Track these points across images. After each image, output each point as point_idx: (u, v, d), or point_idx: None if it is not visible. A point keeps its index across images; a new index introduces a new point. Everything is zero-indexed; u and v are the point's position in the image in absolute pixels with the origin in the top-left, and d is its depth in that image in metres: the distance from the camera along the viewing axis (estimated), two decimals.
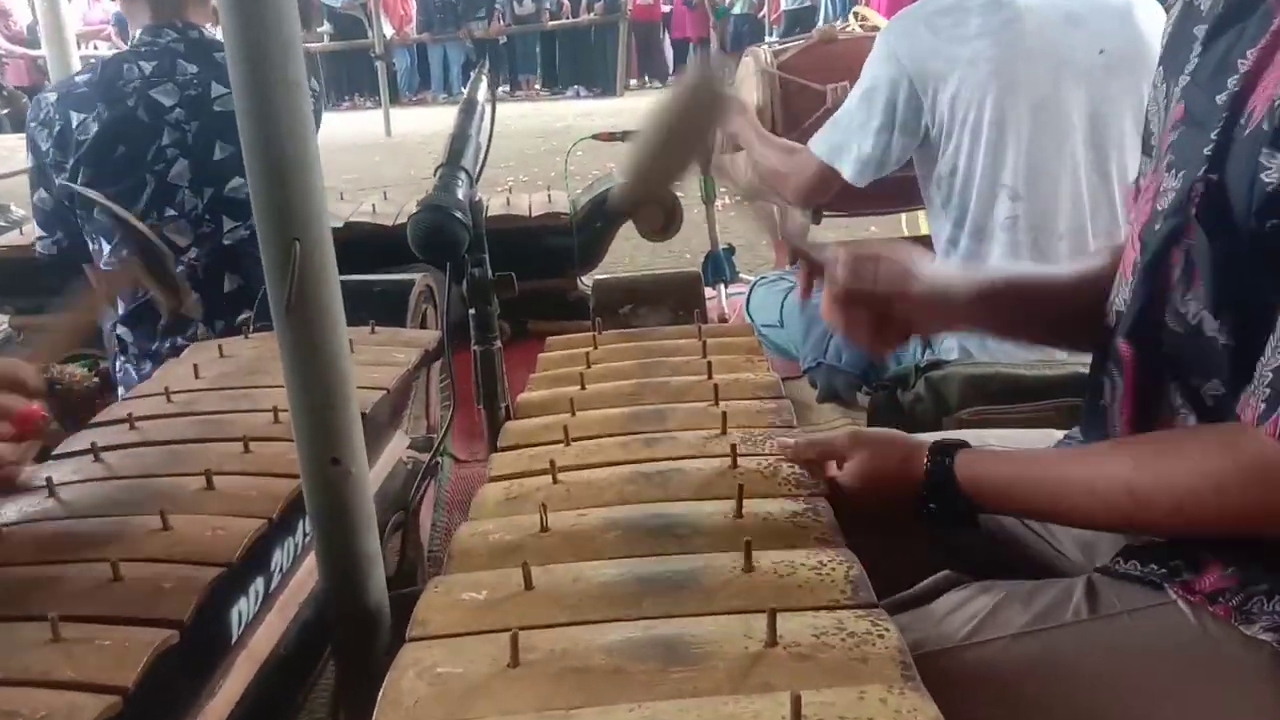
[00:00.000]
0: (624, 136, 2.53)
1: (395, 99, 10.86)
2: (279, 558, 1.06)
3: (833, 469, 0.99)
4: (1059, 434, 1.19)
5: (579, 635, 0.72)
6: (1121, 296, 0.91)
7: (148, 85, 1.85)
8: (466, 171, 1.04)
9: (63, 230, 1.92)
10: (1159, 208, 0.84)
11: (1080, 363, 1.54)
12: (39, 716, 0.65)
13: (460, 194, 0.99)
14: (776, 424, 1.11)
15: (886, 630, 0.71)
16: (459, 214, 0.96)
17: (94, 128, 1.81)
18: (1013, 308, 1.07)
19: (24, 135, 2.01)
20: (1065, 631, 0.80)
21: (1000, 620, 0.81)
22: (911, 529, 0.95)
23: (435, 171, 1.03)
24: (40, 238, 1.96)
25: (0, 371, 1.01)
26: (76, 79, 1.91)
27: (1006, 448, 0.98)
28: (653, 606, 0.76)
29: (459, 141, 1.06)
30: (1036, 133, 1.69)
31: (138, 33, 1.93)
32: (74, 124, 1.83)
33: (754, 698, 0.64)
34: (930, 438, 0.95)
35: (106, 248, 1.88)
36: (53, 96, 1.88)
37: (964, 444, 0.92)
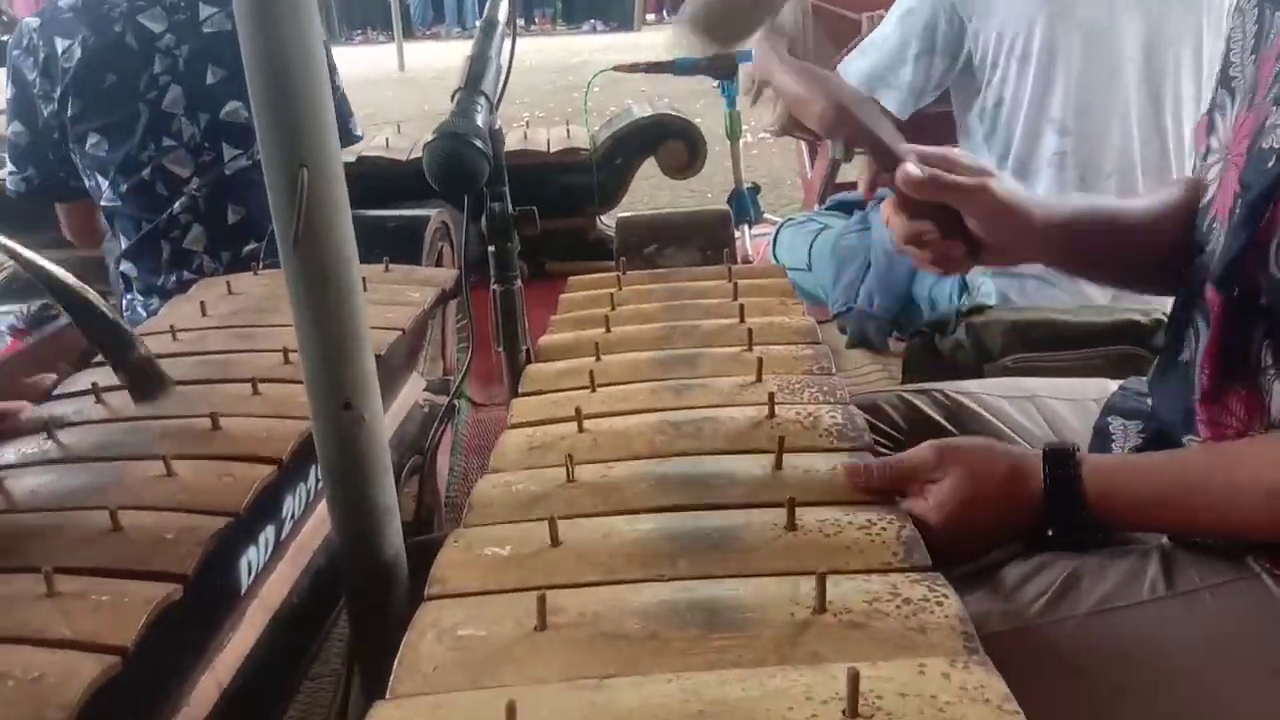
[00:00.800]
0: (645, 68, 2.43)
1: (409, 33, 10.65)
2: (290, 504, 1.01)
3: (912, 499, 0.80)
4: (1112, 384, 1.12)
5: (611, 596, 0.67)
6: (1214, 239, 0.83)
7: (134, 10, 1.77)
8: (486, 97, 0.96)
9: (35, 167, 1.85)
10: (1266, 145, 0.75)
11: (1129, 309, 1.48)
12: (31, 677, 0.61)
13: (480, 121, 0.92)
14: (814, 371, 1.05)
15: (945, 597, 0.65)
16: (479, 142, 0.89)
17: (78, 53, 1.74)
18: (1092, 239, 0.95)
19: None
20: (1142, 610, 0.73)
21: (1071, 597, 0.74)
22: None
23: (452, 96, 0.96)
24: (10, 172, 1.89)
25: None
26: (60, 3, 1.82)
27: (1129, 458, 0.87)
28: (689, 566, 0.71)
29: (478, 64, 0.98)
30: (1088, 63, 1.59)
31: None
32: (59, 50, 1.75)
33: (803, 670, 0.59)
34: (1026, 450, 0.82)
35: (105, 184, 1.81)
36: (35, 23, 1.80)
37: (1075, 449, 0.78)
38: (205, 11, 1.79)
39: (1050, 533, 0.77)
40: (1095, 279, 1.27)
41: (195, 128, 1.79)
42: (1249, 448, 0.77)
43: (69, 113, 1.77)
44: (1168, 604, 0.73)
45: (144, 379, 0.90)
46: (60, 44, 1.76)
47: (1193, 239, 0.89)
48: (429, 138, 0.90)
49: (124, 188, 1.79)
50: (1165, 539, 0.81)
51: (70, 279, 0.89)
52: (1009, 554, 0.81)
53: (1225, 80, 0.91)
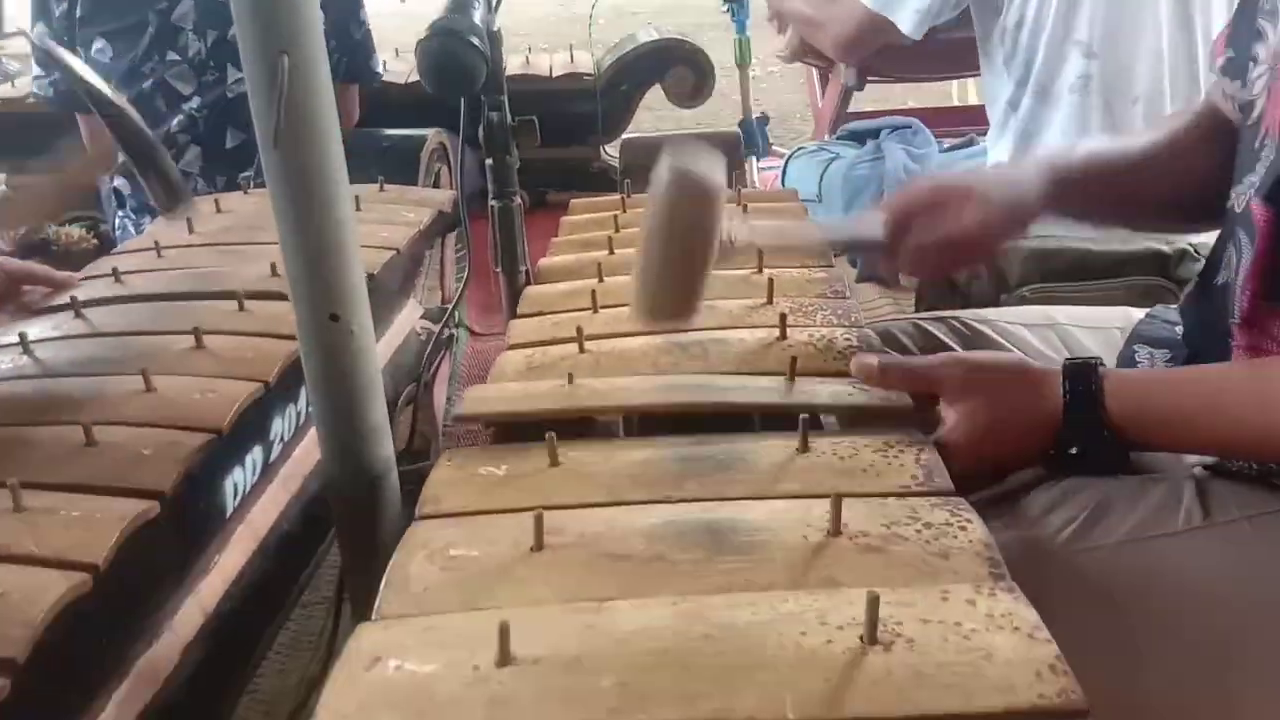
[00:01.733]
0: None
1: None
2: (279, 426, 0.97)
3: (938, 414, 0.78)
4: (1137, 312, 1.07)
5: (612, 517, 0.63)
6: (1265, 154, 0.77)
7: None
8: None
9: (60, 72, 1.79)
10: None
11: (1152, 238, 1.42)
12: None
13: (476, 18, 0.86)
14: (828, 294, 1.00)
15: (969, 521, 0.61)
16: (475, 40, 0.83)
17: None
18: (1089, 191, 0.93)
19: None
20: (1177, 540, 0.70)
21: (1103, 525, 0.71)
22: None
23: None
24: (36, 77, 1.83)
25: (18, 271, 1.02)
26: None
27: (1152, 372, 0.84)
28: (696, 488, 0.67)
29: None
30: None
31: None
32: None
33: (817, 594, 0.55)
34: (1046, 367, 0.78)
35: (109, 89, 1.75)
36: None
37: (1097, 362, 0.75)
38: None
39: (1073, 451, 0.74)
40: (1101, 225, 1.22)
41: (202, 44, 1.74)
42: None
43: (78, 13, 1.72)
44: (1204, 534, 0.70)
45: (168, 186, 1.05)
46: None
47: (1233, 159, 0.84)
48: (423, 35, 0.84)
49: (125, 97, 1.73)
50: (1200, 467, 0.77)
51: (109, 92, 1.06)
52: (1032, 480, 0.77)
53: None
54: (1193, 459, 0.81)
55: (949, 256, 0.89)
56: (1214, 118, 0.92)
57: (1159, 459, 0.81)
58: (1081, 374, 0.74)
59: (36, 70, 1.84)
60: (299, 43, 0.66)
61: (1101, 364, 0.75)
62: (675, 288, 0.77)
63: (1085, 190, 0.92)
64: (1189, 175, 0.92)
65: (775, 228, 1.03)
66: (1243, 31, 0.87)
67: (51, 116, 2.22)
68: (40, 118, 2.32)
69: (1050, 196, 0.88)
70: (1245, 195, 0.79)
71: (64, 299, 1.03)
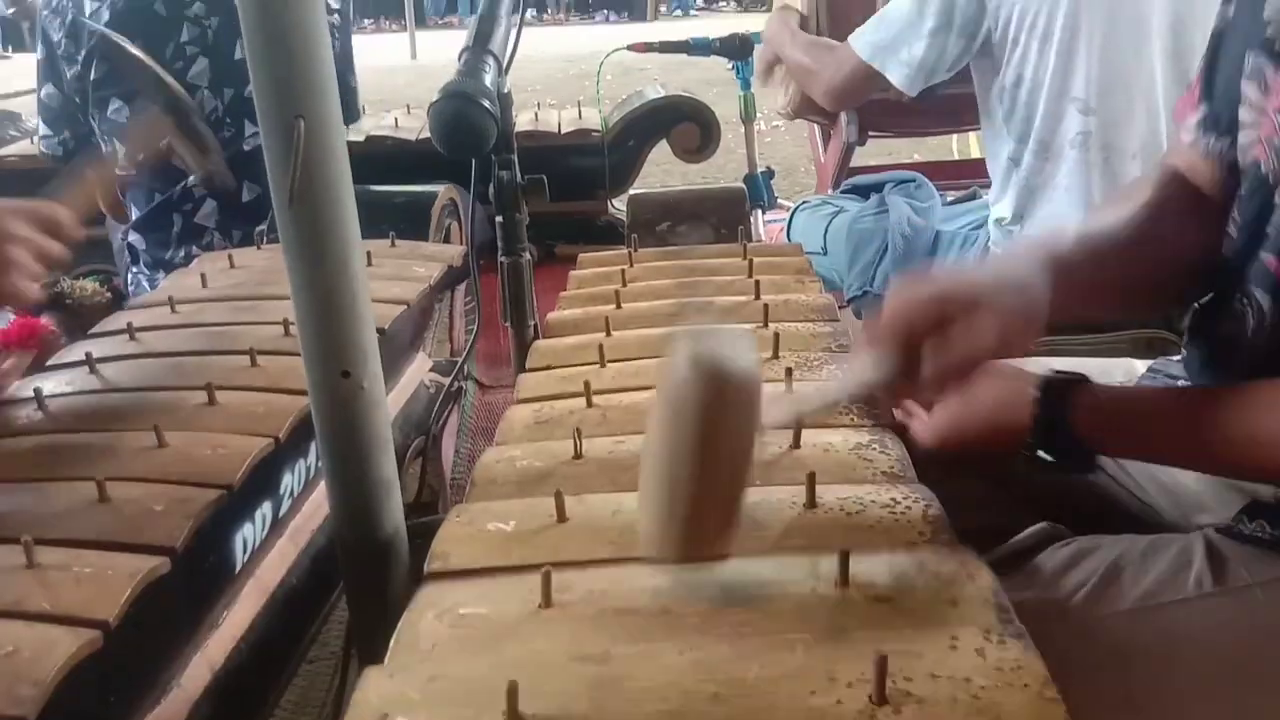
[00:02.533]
0: (659, 47, 2.38)
1: (421, 22, 10.61)
2: (289, 481, 0.97)
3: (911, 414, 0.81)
4: (1140, 364, 1.08)
5: (620, 574, 0.63)
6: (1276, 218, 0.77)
7: None
8: (495, 57, 0.92)
9: (69, 129, 1.82)
10: None
11: None
12: (5, 651, 0.57)
13: (488, 81, 0.88)
14: (832, 348, 1.01)
15: (978, 570, 0.61)
16: (486, 102, 0.85)
17: (106, 16, 1.71)
18: (1088, 277, 0.86)
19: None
20: (1189, 606, 0.70)
21: (1115, 588, 0.71)
22: (985, 472, 0.84)
23: (459, 56, 0.92)
24: (44, 136, 1.86)
25: (38, 213, 0.98)
26: None
27: (1126, 385, 0.86)
28: None
29: (486, 23, 0.95)
30: (1112, 39, 1.54)
31: None
32: (86, 12, 1.72)
33: (826, 646, 0.55)
34: (1024, 370, 0.78)
35: (122, 150, 1.78)
36: None
37: (1080, 378, 0.75)
38: None
39: (1040, 452, 0.75)
40: (1106, 315, 1.23)
41: (218, 102, 1.76)
42: (1266, 388, 0.71)
43: (92, 76, 1.74)
44: (1215, 600, 0.69)
45: (202, 150, 1.22)
46: (89, 6, 1.73)
47: (1215, 229, 0.84)
48: (435, 98, 0.86)
49: (140, 156, 1.76)
50: (1211, 528, 0.77)
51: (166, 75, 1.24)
52: (1044, 540, 0.77)
53: (1269, 48, 0.86)
54: (1205, 518, 0.80)
55: (970, 374, 0.77)
56: (1186, 188, 0.89)
57: (1169, 517, 0.81)
58: (1053, 382, 0.75)
59: (44, 130, 1.87)
60: (314, 106, 0.68)
61: (1078, 381, 0.75)
62: (713, 515, 0.59)
63: (1082, 277, 0.84)
64: (1173, 249, 0.88)
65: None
66: (1219, 87, 0.87)
67: (62, 163, 2.26)
68: (49, 165, 2.37)
69: (1056, 294, 0.78)
70: (1256, 248, 0.79)
71: (120, 324, 1.08)
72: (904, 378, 0.74)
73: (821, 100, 1.93)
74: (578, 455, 0.80)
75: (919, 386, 0.75)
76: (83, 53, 1.74)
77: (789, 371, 0.90)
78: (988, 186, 1.84)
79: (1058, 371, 0.77)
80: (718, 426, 0.56)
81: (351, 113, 2.04)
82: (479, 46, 0.92)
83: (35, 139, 2.55)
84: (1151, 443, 0.75)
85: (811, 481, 0.71)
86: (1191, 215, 0.88)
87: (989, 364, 0.76)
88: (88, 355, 1.01)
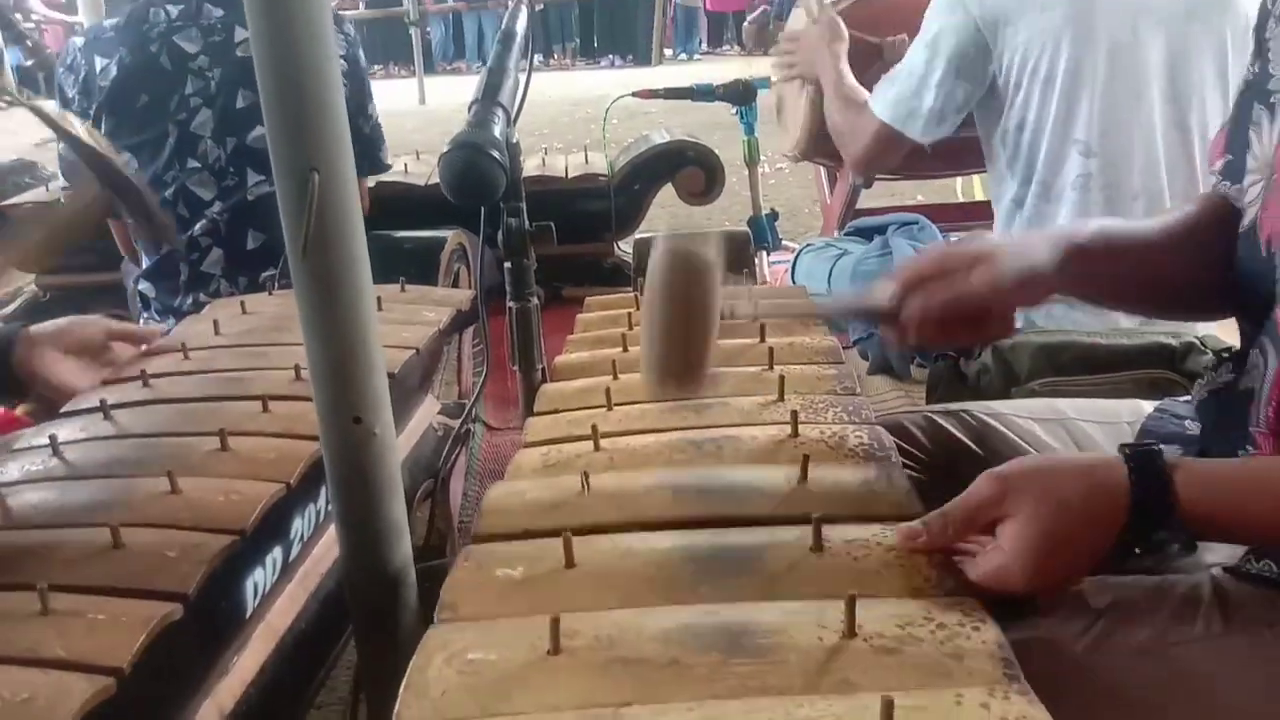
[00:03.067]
0: (664, 93, 2.42)
1: (430, 68, 10.77)
2: (299, 525, 0.98)
3: (982, 553, 0.68)
4: (1146, 405, 1.08)
5: (628, 620, 0.64)
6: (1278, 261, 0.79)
7: (171, 30, 1.77)
8: (504, 108, 0.95)
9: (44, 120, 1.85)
10: None
11: (1158, 331, 1.44)
12: (20, 699, 0.58)
13: (497, 132, 0.90)
14: (838, 391, 1.02)
15: (982, 622, 0.62)
16: (495, 153, 0.87)
17: (114, 72, 1.75)
18: (1104, 268, 0.91)
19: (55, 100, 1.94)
20: (1198, 648, 0.69)
21: (1122, 630, 0.70)
22: None
23: (469, 107, 0.94)
24: (64, 188, 1.90)
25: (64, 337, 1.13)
26: (105, 23, 1.84)
27: (1212, 460, 0.78)
28: (711, 590, 0.67)
29: (495, 75, 0.97)
30: (1112, 83, 1.56)
31: None
32: (97, 69, 1.77)
33: (833, 699, 0.55)
34: (1098, 455, 0.74)
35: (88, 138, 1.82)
36: (80, 42, 1.83)
37: (1158, 451, 0.68)
38: (240, 35, 1.78)
39: (1137, 550, 0.66)
40: (1119, 306, 1.22)
41: (221, 151, 1.79)
42: None
43: (102, 130, 1.78)
44: (1225, 641, 0.69)
45: (158, 224, 1.19)
46: (99, 62, 1.77)
47: (1242, 262, 0.85)
48: (444, 148, 0.88)
49: (105, 141, 1.79)
50: (1218, 568, 0.77)
51: (95, 140, 1.13)
52: None
53: (1262, 94, 0.88)
54: (1211, 558, 0.81)
55: (956, 318, 0.84)
56: (1220, 211, 0.93)
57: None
58: (1146, 461, 0.66)
59: (64, 181, 1.91)
60: (329, 160, 0.70)
61: (1161, 449, 0.68)
62: (678, 358, 0.80)
63: (1098, 267, 0.89)
64: (1203, 260, 0.90)
65: (776, 302, 1.06)
66: (1239, 136, 0.91)
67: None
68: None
69: (1063, 270, 0.85)
70: (1262, 301, 0.80)
71: (134, 370, 1.13)
72: (897, 309, 0.84)
73: (852, 168, 1.94)
74: (584, 492, 0.81)
75: (907, 319, 0.84)
76: (94, 106, 1.77)
77: (794, 414, 0.91)
78: (989, 228, 1.85)
79: (1134, 445, 0.70)
80: (679, 291, 0.77)
81: (376, 163, 2.03)
82: (488, 98, 0.94)
83: (49, 186, 2.60)
84: (1255, 518, 0.67)
85: (818, 524, 0.71)
86: (1221, 235, 0.89)
87: (1056, 457, 0.79)
88: (102, 401, 1.02)
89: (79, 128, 1.13)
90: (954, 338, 0.86)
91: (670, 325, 0.78)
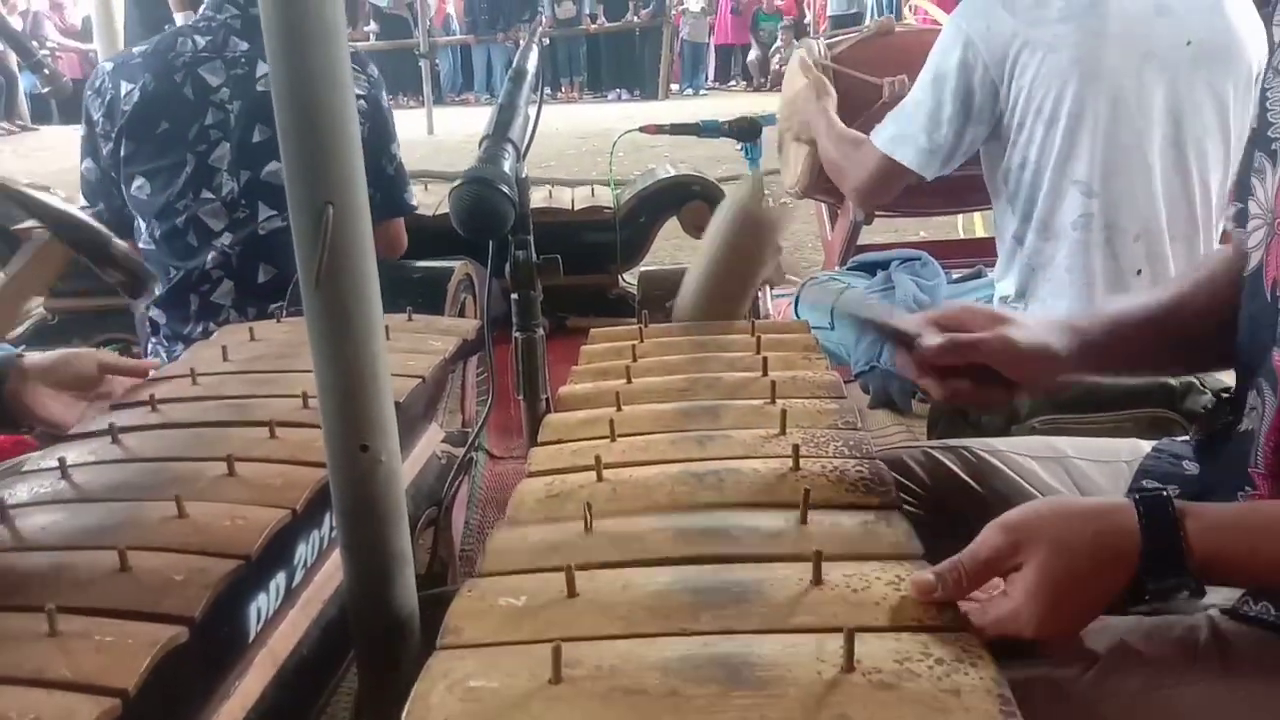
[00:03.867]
0: (670, 129, 2.45)
1: (439, 99, 10.89)
2: (303, 551, 0.99)
3: (994, 602, 0.69)
4: (1145, 444, 1.09)
5: (629, 650, 0.64)
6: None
7: (197, 61, 1.80)
8: (513, 144, 0.97)
9: (104, 201, 1.88)
10: None
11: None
12: (27, 719, 0.58)
13: (506, 167, 0.92)
14: (839, 425, 1.03)
15: (980, 657, 0.62)
16: (505, 188, 0.89)
17: (136, 97, 1.77)
18: (1118, 350, 0.96)
19: (71, 127, 1.97)
20: (1195, 690, 0.69)
21: (1120, 670, 0.71)
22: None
23: (480, 143, 0.96)
24: (82, 208, 1.92)
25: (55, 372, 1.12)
26: (134, 50, 1.87)
27: (1239, 506, 0.80)
28: (711, 621, 0.68)
29: (506, 112, 0.99)
30: (1114, 126, 1.59)
31: (203, 6, 1.89)
32: (122, 93, 1.79)
33: None
34: (1107, 499, 0.77)
35: (143, 225, 1.84)
36: (109, 66, 1.85)
37: (1168, 498, 0.68)
38: (262, 69, 1.79)
39: (1148, 596, 0.66)
40: (1138, 376, 1.25)
41: (235, 184, 1.79)
42: None
43: (121, 153, 1.80)
44: (1222, 684, 0.70)
45: (131, 275, 1.05)
46: (124, 87, 1.79)
47: (1248, 307, 0.87)
48: (456, 183, 0.90)
49: (159, 233, 1.81)
50: (1216, 609, 0.77)
51: (46, 197, 1.03)
52: None
53: (1264, 143, 0.90)
54: (1209, 599, 0.81)
55: (966, 367, 0.89)
56: (1233, 259, 0.95)
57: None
58: (1157, 508, 0.67)
59: (84, 202, 1.92)
60: (343, 193, 0.72)
61: (1171, 495, 0.68)
62: (721, 297, 0.95)
63: (1109, 352, 0.95)
64: (1224, 316, 0.92)
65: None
66: (1244, 186, 0.92)
67: None
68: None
69: (1076, 359, 0.91)
70: (1260, 345, 0.82)
71: (143, 395, 1.13)
72: (922, 340, 0.91)
73: (851, 200, 1.97)
74: (588, 530, 0.81)
75: (924, 350, 0.90)
76: (115, 130, 1.80)
77: (796, 448, 0.92)
78: (992, 264, 1.87)
79: (1144, 491, 0.72)
80: (742, 236, 0.91)
81: (401, 205, 1.97)
82: (499, 134, 0.96)
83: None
84: (1264, 565, 0.67)
85: (818, 558, 0.72)
86: (1233, 282, 0.91)
87: (1063, 501, 0.82)
88: (111, 425, 1.03)
89: (50, 197, 1.06)
90: (956, 388, 0.90)
91: (722, 265, 0.92)
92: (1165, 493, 0.69)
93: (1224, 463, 0.87)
